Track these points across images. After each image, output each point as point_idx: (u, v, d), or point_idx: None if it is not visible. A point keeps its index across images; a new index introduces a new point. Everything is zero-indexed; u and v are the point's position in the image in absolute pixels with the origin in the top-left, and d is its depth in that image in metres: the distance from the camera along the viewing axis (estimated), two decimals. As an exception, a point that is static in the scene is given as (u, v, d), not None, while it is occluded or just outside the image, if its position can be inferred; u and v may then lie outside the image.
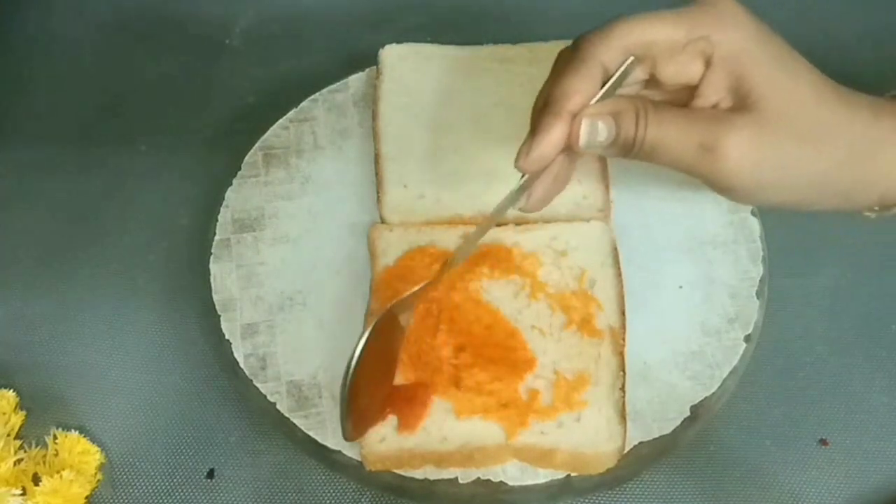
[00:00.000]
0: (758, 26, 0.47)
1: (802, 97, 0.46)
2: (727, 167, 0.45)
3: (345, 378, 0.49)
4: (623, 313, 0.57)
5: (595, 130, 0.47)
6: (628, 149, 0.47)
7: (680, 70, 0.47)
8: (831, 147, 0.46)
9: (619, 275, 0.58)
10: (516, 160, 0.48)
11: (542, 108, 0.47)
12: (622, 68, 0.47)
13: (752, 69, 0.46)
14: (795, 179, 0.46)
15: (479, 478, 0.53)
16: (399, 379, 0.54)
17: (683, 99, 0.48)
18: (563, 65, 0.48)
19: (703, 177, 0.46)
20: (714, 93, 0.47)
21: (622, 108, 0.47)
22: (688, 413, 0.55)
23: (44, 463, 0.55)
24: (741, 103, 0.46)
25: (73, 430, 0.56)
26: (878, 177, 0.47)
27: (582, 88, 0.46)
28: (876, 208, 0.50)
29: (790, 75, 0.47)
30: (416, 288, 0.53)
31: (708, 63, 0.46)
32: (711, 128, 0.45)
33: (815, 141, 0.46)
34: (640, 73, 0.48)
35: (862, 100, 0.48)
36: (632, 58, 0.47)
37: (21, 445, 0.56)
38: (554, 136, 0.46)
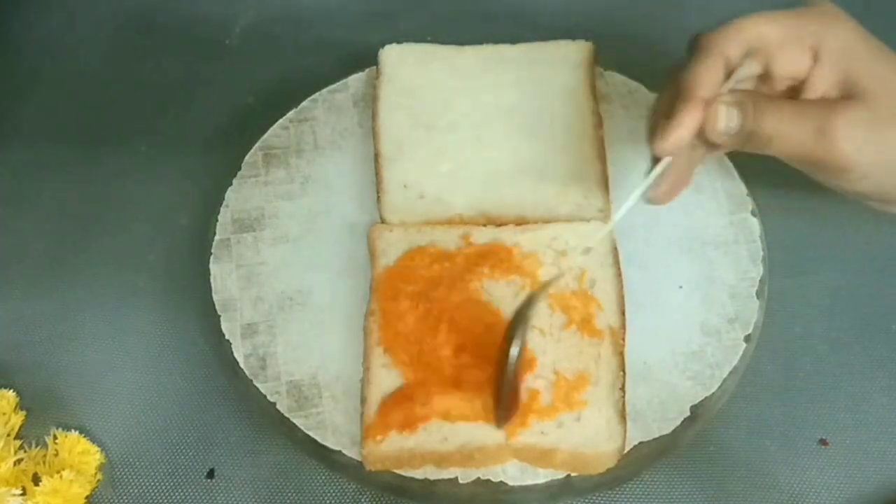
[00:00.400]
0: (858, 26, 0.52)
1: None
2: (841, 147, 0.49)
3: (507, 366, 0.50)
4: (623, 313, 0.57)
5: (732, 116, 0.51)
6: (747, 138, 0.51)
7: (791, 63, 0.52)
8: None
9: (619, 275, 0.58)
10: (653, 144, 0.52)
11: (675, 96, 0.52)
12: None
13: (857, 62, 0.50)
14: None
15: (479, 478, 0.53)
16: (398, 377, 0.54)
17: (790, 97, 0.53)
18: (689, 59, 0.53)
19: (819, 161, 0.50)
20: (821, 85, 0.52)
21: (744, 99, 0.51)
22: (688, 413, 0.55)
23: (44, 463, 0.55)
24: (848, 94, 0.50)
25: (73, 430, 0.56)
26: None
27: (710, 77, 0.51)
28: None
29: (893, 68, 0.51)
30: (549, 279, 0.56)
31: (816, 57, 0.51)
32: (823, 113, 0.50)
33: None
34: (754, 68, 0.53)
35: None
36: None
37: (21, 445, 0.56)
38: (689, 120, 0.51)
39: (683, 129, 0.51)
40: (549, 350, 0.55)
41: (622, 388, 0.54)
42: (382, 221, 0.62)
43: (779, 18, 0.52)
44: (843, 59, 0.51)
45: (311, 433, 0.54)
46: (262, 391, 0.56)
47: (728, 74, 0.52)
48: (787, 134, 0.50)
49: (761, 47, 0.52)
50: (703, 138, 0.52)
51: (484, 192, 0.62)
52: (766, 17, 0.52)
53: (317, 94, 0.69)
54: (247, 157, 0.66)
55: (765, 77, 0.53)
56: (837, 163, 0.50)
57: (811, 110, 0.50)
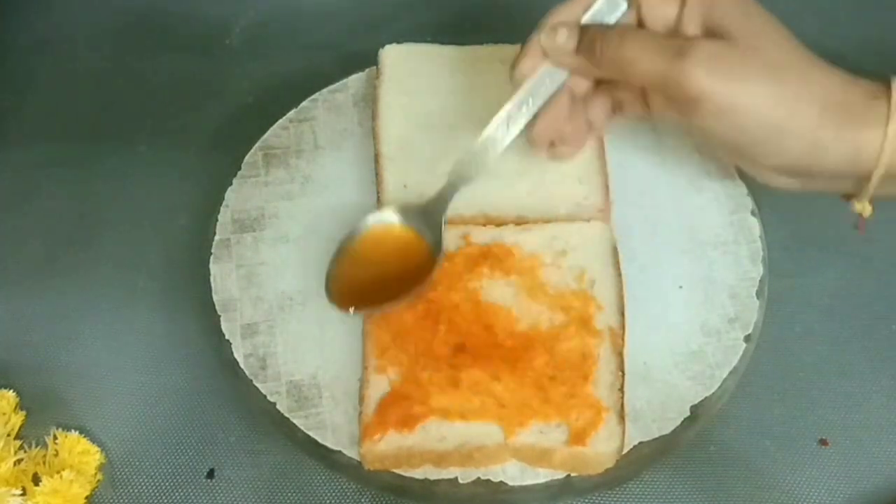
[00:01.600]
0: None
1: (774, 36, 0.51)
2: (694, 72, 0.50)
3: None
4: (623, 313, 0.57)
5: (553, 34, 0.54)
6: (594, 54, 0.53)
7: (660, 9, 0.54)
8: (800, 83, 0.50)
9: (619, 275, 0.58)
10: (510, 73, 0.56)
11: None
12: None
13: (720, 7, 0.52)
14: (761, 103, 0.50)
15: (479, 478, 0.53)
16: (397, 378, 0.54)
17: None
18: None
19: (673, 84, 0.51)
20: (690, 30, 0.53)
21: (593, 27, 0.54)
22: (688, 413, 0.55)
23: (44, 463, 0.55)
24: (713, 35, 0.52)
25: (73, 430, 0.56)
26: (852, 137, 0.49)
27: (564, 12, 0.55)
28: (855, 200, 0.53)
29: (762, 18, 0.52)
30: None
31: (683, 3, 0.53)
32: (685, 42, 0.52)
33: (785, 73, 0.50)
34: (629, 17, 0.55)
35: (836, 68, 0.51)
36: None
37: (21, 445, 0.56)
38: (535, 45, 0.55)
39: (527, 56, 0.55)
40: (548, 350, 0.55)
41: (622, 389, 0.54)
42: (382, 221, 0.62)
43: None
44: (705, 4, 0.52)
45: (311, 433, 0.54)
46: (262, 391, 0.56)
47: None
48: (644, 56, 0.51)
49: None
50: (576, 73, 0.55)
51: (484, 192, 0.62)
52: None
53: (317, 94, 0.69)
54: (247, 157, 0.66)
55: (640, 26, 0.55)
56: (690, 89, 0.50)
57: (675, 40, 0.52)
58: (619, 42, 0.53)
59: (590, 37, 0.53)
